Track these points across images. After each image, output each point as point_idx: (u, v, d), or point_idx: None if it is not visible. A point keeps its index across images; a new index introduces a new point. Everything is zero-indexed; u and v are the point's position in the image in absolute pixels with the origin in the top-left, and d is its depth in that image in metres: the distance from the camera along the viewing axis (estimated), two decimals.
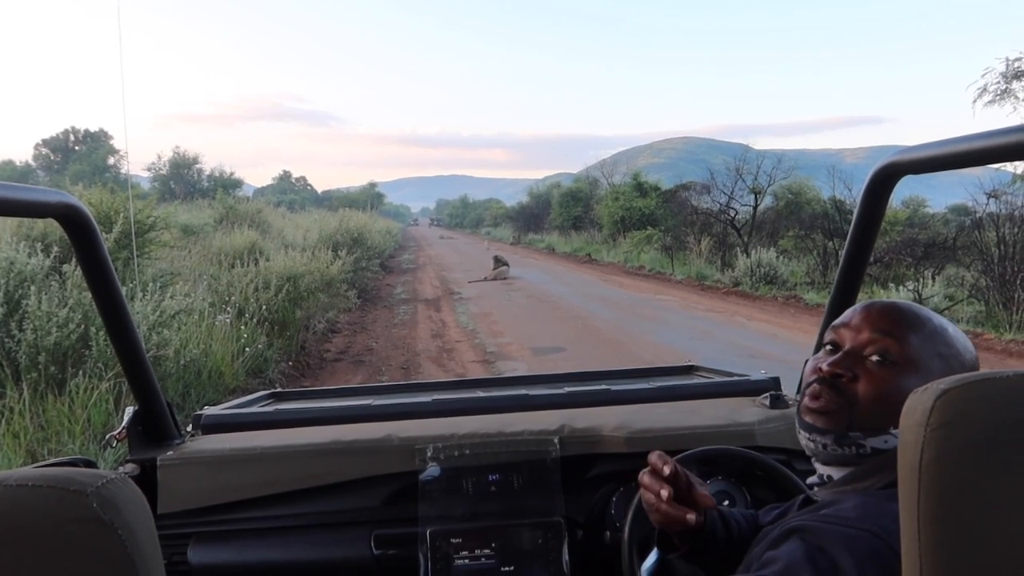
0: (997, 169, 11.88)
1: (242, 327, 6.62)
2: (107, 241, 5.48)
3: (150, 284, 6.22)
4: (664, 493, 1.00)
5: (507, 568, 1.42)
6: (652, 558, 1.22)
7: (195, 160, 46.53)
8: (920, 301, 9.04)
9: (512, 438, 1.52)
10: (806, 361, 1.00)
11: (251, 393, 2.22)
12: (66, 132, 56.55)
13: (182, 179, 45.54)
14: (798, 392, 0.98)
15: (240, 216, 16.82)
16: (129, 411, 1.50)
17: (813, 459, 0.92)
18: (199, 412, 1.71)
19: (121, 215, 7.41)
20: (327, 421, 1.64)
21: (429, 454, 1.49)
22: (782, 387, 1.73)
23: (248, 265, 8.94)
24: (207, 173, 46.65)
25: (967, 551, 0.51)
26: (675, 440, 1.46)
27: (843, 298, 1.33)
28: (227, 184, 42.00)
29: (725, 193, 18.71)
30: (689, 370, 2.17)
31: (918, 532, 0.53)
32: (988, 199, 11.33)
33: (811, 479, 0.94)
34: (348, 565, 1.45)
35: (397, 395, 2.01)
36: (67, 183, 29.41)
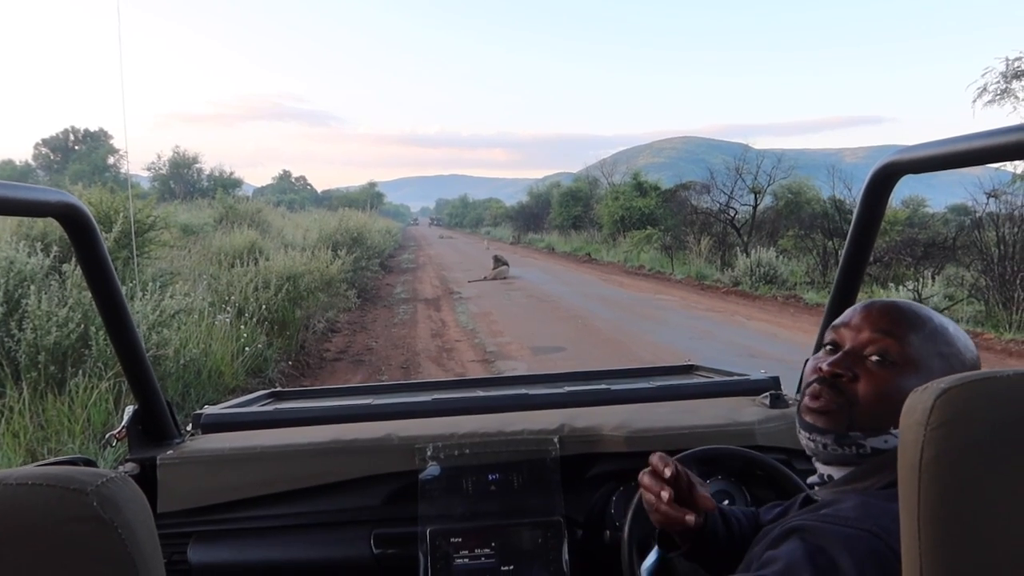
0: (997, 169, 11.88)
1: (242, 327, 6.62)
2: (107, 241, 5.47)
3: (150, 284, 6.23)
4: (665, 495, 1.00)
5: (507, 567, 1.42)
6: (652, 557, 1.22)
7: (195, 160, 46.57)
8: (920, 301, 9.04)
9: (512, 437, 1.52)
10: (806, 361, 1.00)
11: (251, 392, 2.22)
12: (66, 132, 56.57)
13: (182, 179, 45.55)
14: (798, 392, 0.98)
15: (240, 216, 16.82)
16: (129, 410, 1.50)
17: (813, 459, 0.92)
18: (199, 411, 1.71)
19: (121, 215, 7.41)
20: (327, 420, 1.64)
21: (429, 453, 1.49)
22: (782, 386, 1.73)
23: (248, 265, 8.94)
24: (207, 173, 46.68)
25: (967, 550, 0.51)
26: (675, 439, 1.46)
27: (843, 298, 1.33)
28: (227, 184, 42.02)
29: (725, 193, 18.71)
30: (689, 369, 2.17)
31: (918, 531, 0.53)
32: (988, 199, 11.33)
33: (811, 479, 0.94)
34: (348, 564, 1.45)
35: (397, 394, 2.01)
36: (67, 183, 29.42)
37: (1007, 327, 8.85)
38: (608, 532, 1.44)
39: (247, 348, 6.27)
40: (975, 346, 0.90)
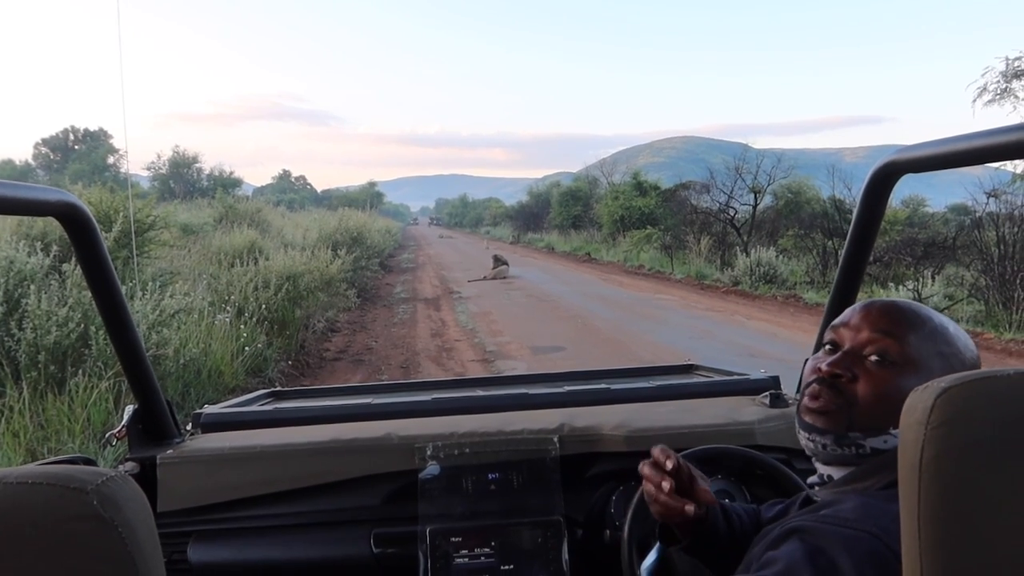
0: (997, 168, 11.89)
1: (241, 326, 6.62)
2: (107, 240, 5.47)
3: (150, 283, 6.23)
4: (666, 485, 1.01)
5: (506, 567, 1.42)
6: (652, 557, 1.22)
7: (194, 159, 46.58)
8: (920, 300, 9.05)
9: (512, 437, 1.52)
10: (806, 360, 1.00)
11: (251, 392, 2.22)
12: (66, 131, 56.55)
13: (181, 178, 45.56)
14: (798, 391, 0.98)
15: (239, 215, 16.82)
16: (129, 410, 1.50)
17: (813, 459, 0.92)
18: (199, 411, 1.71)
19: (121, 214, 7.41)
20: (327, 420, 1.64)
21: (429, 453, 1.49)
22: (782, 386, 1.73)
23: (248, 264, 8.94)
24: (206, 172, 46.70)
25: (967, 549, 0.51)
26: (675, 439, 1.46)
27: (843, 297, 1.33)
28: (226, 183, 42.03)
29: (725, 192, 18.71)
30: (689, 369, 2.16)
31: (918, 531, 0.53)
32: (988, 198, 11.34)
33: (811, 479, 0.94)
34: (348, 563, 1.45)
35: (397, 394, 2.01)
36: (67, 182, 29.41)
37: (1007, 327, 8.85)
38: (608, 532, 1.44)
39: (247, 348, 6.27)
40: (975, 346, 0.90)
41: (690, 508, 1.00)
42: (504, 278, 16.78)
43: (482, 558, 1.42)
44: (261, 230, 14.92)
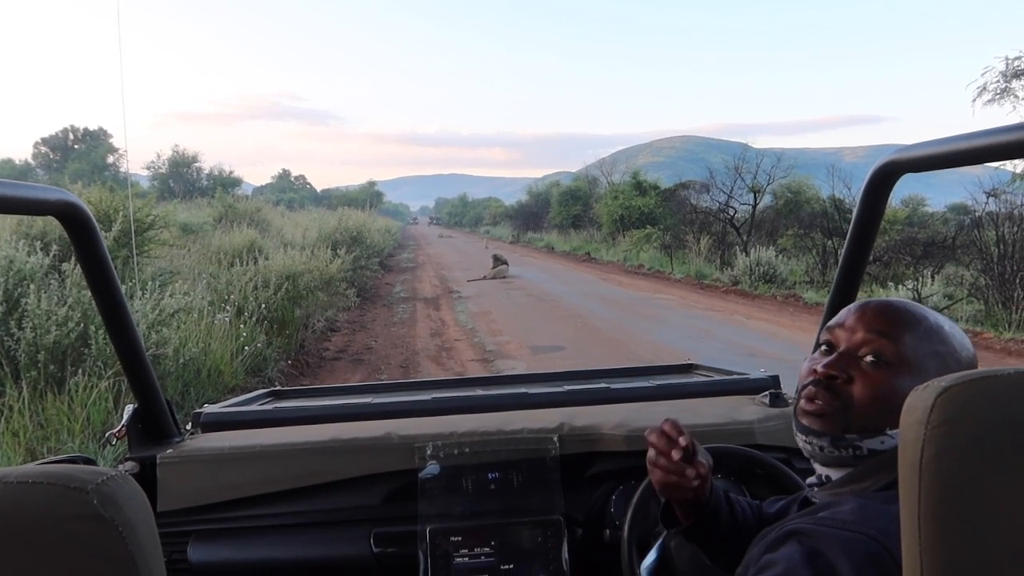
0: (997, 168, 11.90)
1: (241, 326, 6.62)
2: (106, 239, 5.46)
3: (149, 283, 6.23)
4: (675, 454, 1.01)
5: (506, 566, 1.42)
6: (652, 556, 1.22)
7: (194, 159, 46.58)
8: (919, 300, 9.04)
9: (511, 436, 1.52)
10: (805, 360, 1.00)
11: (250, 391, 2.22)
12: (65, 131, 56.52)
13: (181, 178, 45.55)
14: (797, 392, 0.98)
15: (239, 215, 16.83)
16: (129, 409, 1.50)
17: (811, 460, 0.92)
18: (199, 410, 1.71)
19: (120, 213, 7.41)
20: (326, 419, 1.64)
21: (428, 452, 1.49)
22: (781, 385, 1.73)
23: (247, 264, 8.94)
24: (206, 172, 46.70)
25: (967, 549, 0.51)
26: None
27: (842, 297, 1.33)
28: (226, 183, 42.04)
29: (724, 192, 18.71)
30: (688, 368, 2.17)
31: (918, 530, 0.53)
32: (987, 198, 11.34)
33: (810, 479, 0.94)
34: (348, 563, 1.45)
35: (396, 393, 2.01)
36: (66, 181, 29.38)
37: (1006, 326, 8.86)
38: (608, 531, 1.44)
39: (246, 347, 6.27)
40: (973, 345, 0.90)
41: (691, 472, 1.02)
42: (504, 278, 16.78)
43: (482, 557, 1.42)
44: (261, 229, 14.92)
